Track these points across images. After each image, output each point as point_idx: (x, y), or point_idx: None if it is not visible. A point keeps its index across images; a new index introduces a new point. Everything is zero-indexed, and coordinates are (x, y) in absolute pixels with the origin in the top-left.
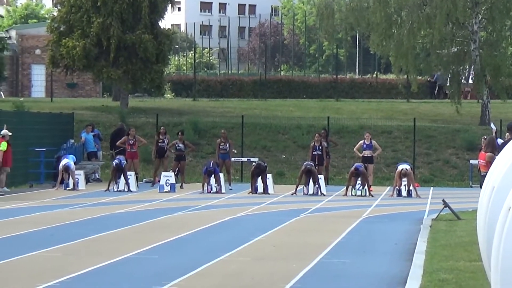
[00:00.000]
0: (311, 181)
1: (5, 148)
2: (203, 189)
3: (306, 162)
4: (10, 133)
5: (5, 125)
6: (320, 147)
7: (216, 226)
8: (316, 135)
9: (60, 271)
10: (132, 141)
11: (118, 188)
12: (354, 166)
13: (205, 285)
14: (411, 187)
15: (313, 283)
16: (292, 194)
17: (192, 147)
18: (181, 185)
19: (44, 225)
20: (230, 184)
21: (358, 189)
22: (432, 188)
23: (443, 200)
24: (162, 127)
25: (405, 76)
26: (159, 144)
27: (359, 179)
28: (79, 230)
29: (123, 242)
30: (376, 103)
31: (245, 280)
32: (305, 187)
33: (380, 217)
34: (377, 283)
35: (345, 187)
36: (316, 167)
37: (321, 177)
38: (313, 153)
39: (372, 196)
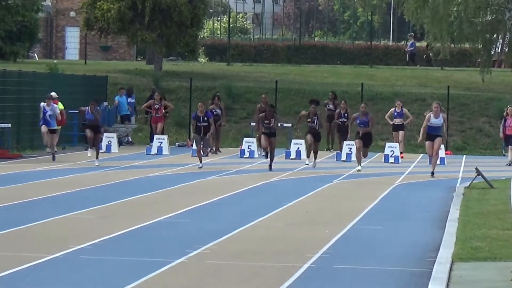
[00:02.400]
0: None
1: (62, 107)
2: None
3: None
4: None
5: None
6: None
7: (248, 191)
8: (342, 103)
9: (93, 233)
10: (158, 106)
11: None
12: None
13: (238, 250)
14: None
15: (346, 249)
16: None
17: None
18: (216, 150)
19: (77, 187)
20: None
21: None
22: (465, 156)
23: (476, 168)
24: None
25: (437, 44)
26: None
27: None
28: (112, 193)
29: (155, 206)
30: (411, 70)
31: (278, 245)
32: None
33: (413, 184)
34: (410, 250)
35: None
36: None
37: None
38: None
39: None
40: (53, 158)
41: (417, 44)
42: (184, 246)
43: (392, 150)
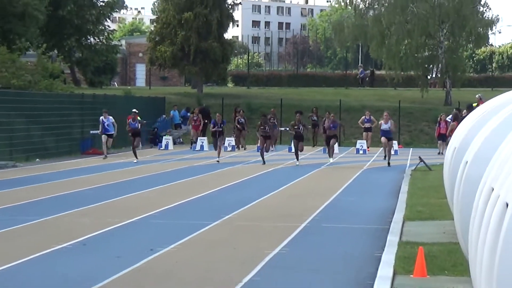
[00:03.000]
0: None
1: (140, 119)
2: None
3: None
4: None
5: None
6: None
7: (263, 174)
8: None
9: (157, 205)
10: (196, 118)
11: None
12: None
13: (256, 215)
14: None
15: (331, 213)
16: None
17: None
18: (243, 147)
19: (146, 173)
20: (273, 147)
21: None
22: (411, 148)
23: (419, 157)
24: (238, 108)
25: (391, 72)
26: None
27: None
28: (169, 177)
29: (202, 185)
30: (373, 90)
31: (283, 211)
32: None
33: (376, 169)
34: (375, 213)
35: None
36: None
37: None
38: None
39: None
40: (105, 157)
41: (378, 72)
42: (220, 212)
43: (361, 145)
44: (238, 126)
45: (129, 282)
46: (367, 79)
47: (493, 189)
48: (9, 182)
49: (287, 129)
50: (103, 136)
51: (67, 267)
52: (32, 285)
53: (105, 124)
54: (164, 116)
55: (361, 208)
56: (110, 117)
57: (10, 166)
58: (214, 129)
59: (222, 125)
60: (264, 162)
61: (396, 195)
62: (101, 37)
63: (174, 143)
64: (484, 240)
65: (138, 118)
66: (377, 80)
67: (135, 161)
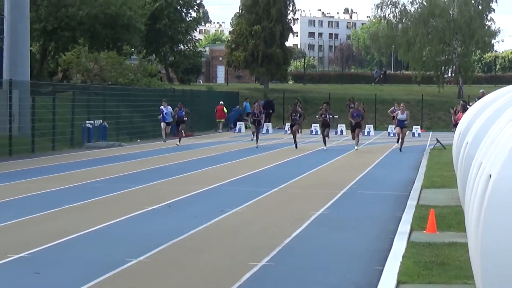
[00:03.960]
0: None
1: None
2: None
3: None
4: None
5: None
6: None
7: (307, 155)
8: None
9: (226, 177)
10: (258, 110)
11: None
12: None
13: (305, 184)
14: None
15: (365, 183)
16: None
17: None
18: (300, 131)
19: (220, 151)
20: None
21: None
22: (431, 132)
23: (437, 139)
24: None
25: (416, 72)
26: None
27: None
28: (236, 155)
29: (262, 161)
30: (403, 86)
31: (326, 182)
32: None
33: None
34: (399, 183)
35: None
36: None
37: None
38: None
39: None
40: (164, 141)
41: (406, 72)
42: (277, 182)
43: (392, 129)
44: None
45: (204, 236)
46: (381, 76)
47: (481, 163)
48: (115, 158)
49: (317, 116)
50: (162, 123)
51: (156, 225)
52: (125, 239)
53: (164, 113)
54: (238, 106)
55: (388, 179)
56: (169, 107)
57: (117, 145)
58: (253, 118)
59: (259, 115)
60: (296, 146)
61: (416, 169)
62: (189, 45)
63: (246, 127)
64: (474, 202)
65: (184, 108)
66: (403, 78)
67: (177, 144)
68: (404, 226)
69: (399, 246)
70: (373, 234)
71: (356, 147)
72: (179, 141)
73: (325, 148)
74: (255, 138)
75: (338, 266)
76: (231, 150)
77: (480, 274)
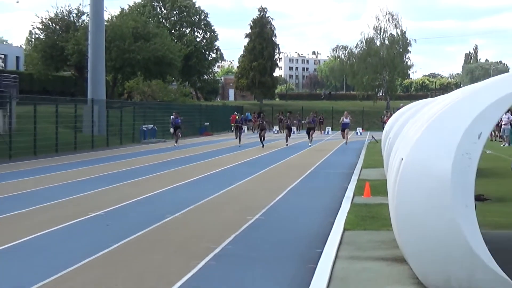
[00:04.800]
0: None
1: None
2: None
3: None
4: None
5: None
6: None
7: (288, 148)
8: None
9: (235, 160)
10: (256, 117)
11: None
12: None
13: (284, 166)
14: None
15: (324, 165)
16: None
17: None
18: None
19: (229, 145)
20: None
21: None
22: (368, 132)
23: (372, 136)
24: (282, 112)
25: (358, 92)
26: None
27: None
28: (243, 147)
29: (255, 151)
30: (351, 101)
31: (298, 165)
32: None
33: (349, 142)
34: (347, 164)
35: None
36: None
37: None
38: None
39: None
40: (176, 142)
41: (352, 92)
42: (265, 165)
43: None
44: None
45: (219, 198)
46: (328, 94)
47: (397, 151)
48: (161, 149)
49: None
50: (171, 129)
51: (187, 193)
52: (158, 206)
53: (174, 121)
54: (243, 115)
55: (340, 161)
56: (181, 118)
57: (162, 141)
58: (235, 124)
59: (241, 122)
60: (287, 144)
61: (358, 155)
62: (210, 75)
63: (247, 129)
64: (392, 176)
65: (180, 116)
66: (350, 96)
67: (175, 144)
68: (349, 192)
69: (345, 206)
70: (329, 198)
71: (309, 144)
72: (176, 142)
73: (287, 145)
74: (239, 140)
75: (305, 219)
76: (237, 144)
77: (395, 224)
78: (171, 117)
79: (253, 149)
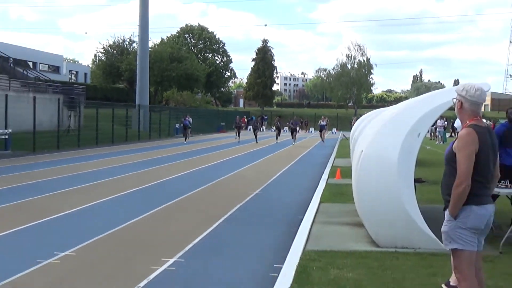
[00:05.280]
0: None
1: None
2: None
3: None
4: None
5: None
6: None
7: (278, 144)
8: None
9: (235, 153)
10: (260, 119)
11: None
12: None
13: (275, 158)
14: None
15: (308, 156)
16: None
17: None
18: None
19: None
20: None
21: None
22: (341, 131)
23: (343, 134)
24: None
25: (335, 102)
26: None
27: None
28: (247, 142)
29: (254, 145)
30: (328, 109)
31: (284, 156)
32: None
33: (326, 140)
34: (324, 156)
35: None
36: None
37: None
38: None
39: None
40: (185, 139)
41: (330, 102)
42: (259, 157)
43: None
44: (278, 124)
45: (229, 178)
46: (307, 104)
47: (359, 145)
48: (189, 142)
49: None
50: (181, 126)
51: (207, 174)
52: (188, 182)
53: (184, 122)
54: (250, 118)
55: (319, 154)
56: (190, 119)
57: (190, 136)
58: (236, 125)
59: (248, 122)
60: (277, 141)
61: (333, 148)
62: (226, 88)
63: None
64: (355, 164)
65: (189, 118)
66: (329, 105)
67: (184, 142)
68: (325, 176)
69: (321, 185)
70: (310, 179)
71: (293, 143)
72: (186, 139)
73: (277, 142)
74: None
75: (292, 194)
76: (244, 139)
77: (356, 199)
78: (182, 118)
79: (250, 145)
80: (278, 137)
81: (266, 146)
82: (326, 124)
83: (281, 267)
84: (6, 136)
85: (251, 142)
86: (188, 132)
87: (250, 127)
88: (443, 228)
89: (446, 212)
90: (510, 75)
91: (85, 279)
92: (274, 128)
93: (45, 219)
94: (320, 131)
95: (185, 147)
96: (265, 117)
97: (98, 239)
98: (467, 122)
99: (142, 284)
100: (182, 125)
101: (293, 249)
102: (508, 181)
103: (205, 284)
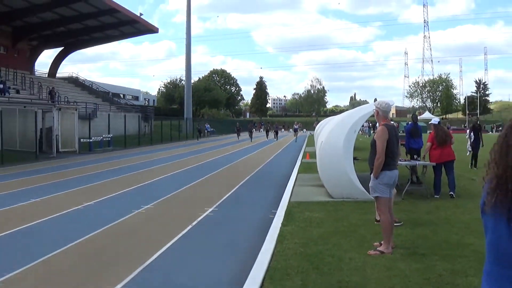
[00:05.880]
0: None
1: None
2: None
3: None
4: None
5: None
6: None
7: (267, 141)
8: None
9: (243, 146)
10: (257, 125)
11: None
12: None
13: (260, 154)
14: (298, 135)
15: (288, 148)
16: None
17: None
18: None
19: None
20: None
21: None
22: (309, 131)
23: (310, 132)
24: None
25: (304, 113)
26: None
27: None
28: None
29: (255, 144)
30: (300, 118)
31: (270, 150)
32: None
33: (299, 138)
34: (298, 146)
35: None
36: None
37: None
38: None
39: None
40: (198, 139)
41: (290, 113)
42: (247, 153)
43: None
44: (273, 129)
45: (241, 161)
46: (285, 115)
47: (320, 138)
48: (216, 139)
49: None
50: (204, 128)
51: (229, 158)
52: (217, 163)
53: (207, 127)
54: (253, 123)
55: (295, 145)
56: (208, 125)
57: (213, 134)
58: (249, 129)
59: (253, 127)
60: (267, 138)
61: (304, 142)
62: (237, 107)
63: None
64: (318, 150)
65: (208, 125)
66: (300, 115)
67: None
68: (299, 158)
69: (297, 164)
70: (291, 159)
71: (275, 140)
72: (198, 139)
73: (267, 139)
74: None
75: (281, 168)
76: (242, 138)
77: (319, 170)
78: (206, 125)
79: (246, 142)
80: (268, 136)
81: (260, 142)
82: (298, 127)
83: (276, 212)
84: (109, 139)
85: (255, 139)
86: (202, 135)
87: (261, 129)
88: (370, 184)
89: (372, 175)
90: (405, 96)
91: (156, 224)
92: (263, 129)
93: (134, 187)
94: (294, 131)
95: (217, 142)
96: (262, 123)
97: (169, 196)
98: (382, 122)
99: (194, 222)
100: (198, 129)
101: (282, 201)
102: (415, 156)
103: (231, 222)
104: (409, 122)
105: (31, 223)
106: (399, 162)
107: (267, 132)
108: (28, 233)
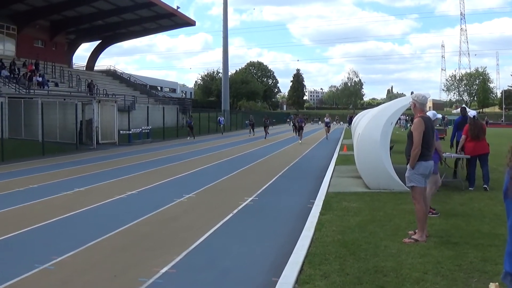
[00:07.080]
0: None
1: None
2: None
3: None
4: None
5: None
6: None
7: (279, 142)
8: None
9: (252, 147)
10: (268, 121)
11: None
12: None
13: (287, 151)
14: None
15: (322, 143)
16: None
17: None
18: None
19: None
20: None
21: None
22: (345, 124)
23: (346, 125)
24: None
25: (340, 106)
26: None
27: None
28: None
29: (272, 139)
30: (337, 110)
31: (291, 152)
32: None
33: (333, 132)
34: (335, 140)
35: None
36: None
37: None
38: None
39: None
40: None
41: (327, 106)
42: (272, 151)
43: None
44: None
45: (276, 154)
46: (318, 107)
47: (357, 130)
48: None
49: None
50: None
51: (266, 150)
52: (254, 154)
53: (220, 120)
54: (289, 116)
55: (331, 140)
56: (223, 118)
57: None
58: (293, 123)
59: (267, 122)
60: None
61: (340, 135)
62: (274, 99)
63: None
64: (355, 142)
65: (222, 118)
66: (336, 108)
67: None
68: (337, 150)
69: (335, 156)
70: (328, 152)
71: (299, 141)
72: (194, 137)
73: (295, 135)
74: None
75: (317, 161)
76: (281, 131)
77: (357, 162)
78: (219, 117)
79: (274, 137)
80: (296, 132)
81: (288, 138)
82: (329, 121)
83: (314, 201)
84: (148, 130)
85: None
86: (253, 130)
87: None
88: (406, 174)
89: (408, 165)
90: (443, 89)
91: (198, 212)
92: (290, 124)
93: (174, 177)
94: (326, 125)
95: (253, 135)
96: (290, 116)
97: (209, 186)
98: (418, 114)
99: (235, 211)
100: (250, 123)
101: (321, 191)
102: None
103: (271, 210)
104: (459, 116)
105: (79, 210)
106: (444, 155)
107: (294, 126)
108: (76, 220)
